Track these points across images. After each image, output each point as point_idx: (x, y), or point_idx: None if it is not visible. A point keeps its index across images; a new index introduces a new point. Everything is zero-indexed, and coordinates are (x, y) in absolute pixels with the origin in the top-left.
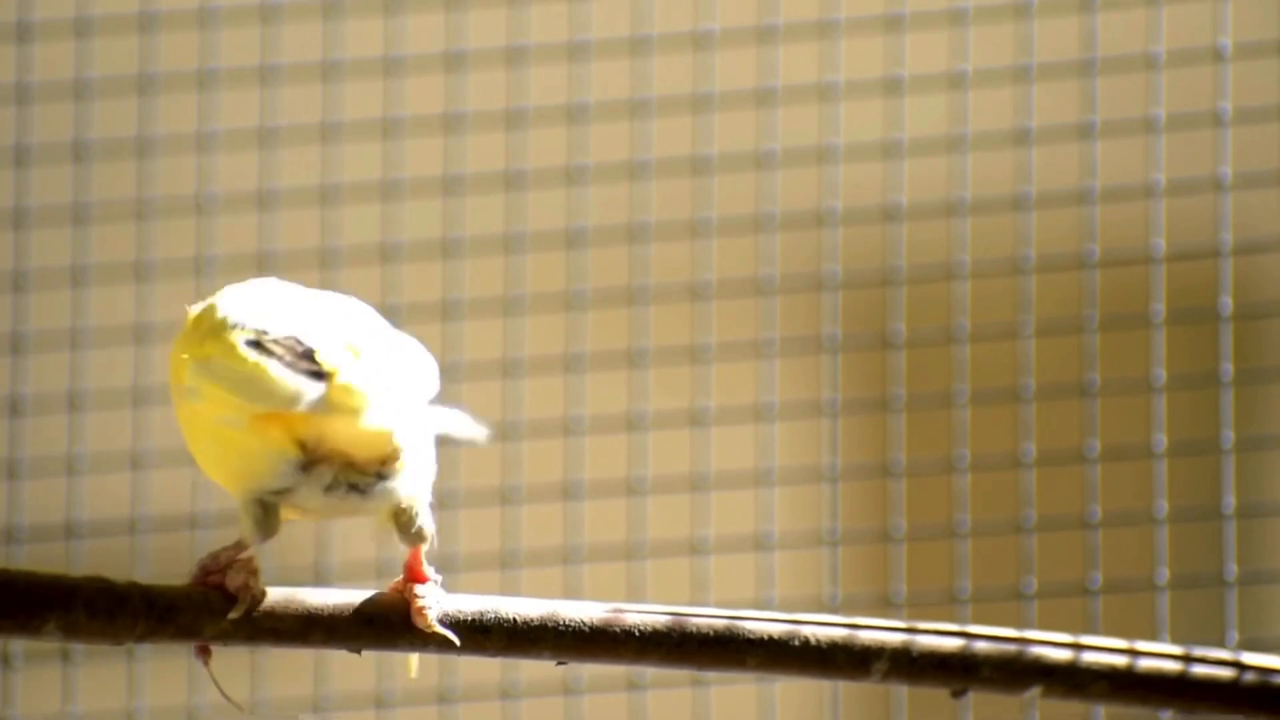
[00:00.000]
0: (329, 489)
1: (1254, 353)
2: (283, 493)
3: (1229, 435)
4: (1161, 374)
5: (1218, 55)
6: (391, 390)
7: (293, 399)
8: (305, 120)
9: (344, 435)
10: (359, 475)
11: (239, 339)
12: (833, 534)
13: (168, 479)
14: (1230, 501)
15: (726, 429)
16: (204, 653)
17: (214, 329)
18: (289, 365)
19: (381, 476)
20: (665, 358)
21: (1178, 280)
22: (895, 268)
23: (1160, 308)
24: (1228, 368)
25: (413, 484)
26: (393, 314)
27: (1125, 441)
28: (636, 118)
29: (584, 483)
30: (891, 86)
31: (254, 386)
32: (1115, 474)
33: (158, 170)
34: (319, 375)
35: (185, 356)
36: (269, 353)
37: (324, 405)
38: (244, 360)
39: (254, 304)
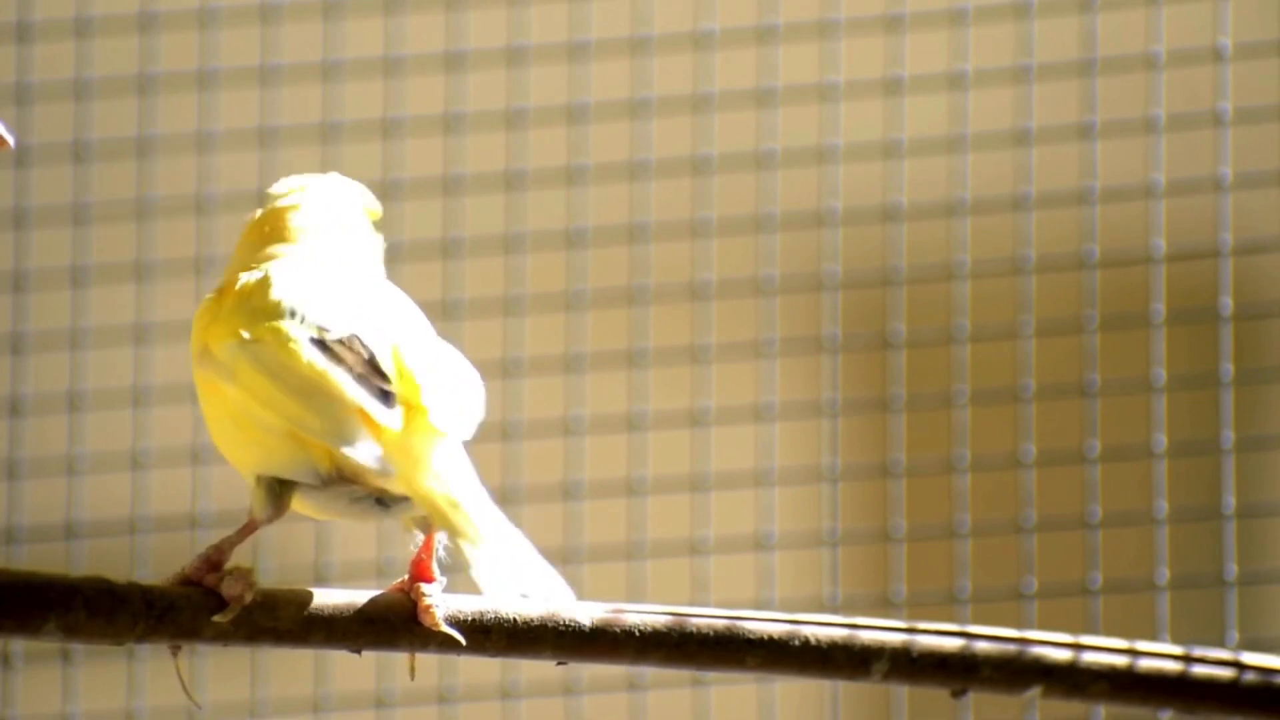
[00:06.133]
0: (354, 500)
1: (1254, 353)
2: (302, 488)
3: (1229, 435)
4: (1161, 374)
5: (1218, 55)
6: (452, 450)
7: (346, 437)
8: (305, 120)
9: (393, 487)
10: (388, 493)
11: (300, 334)
12: (833, 534)
13: (168, 479)
14: (1230, 501)
15: (726, 429)
16: (174, 651)
17: (266, 310)
18: (359, 380)
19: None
20: (665, 358)
21: (1178, 280)
22: (895, 268)
23: (1160, 308)
24: (1228, 368)
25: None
26: None
27: (1125, 441)
28: (636, 118)
29: (584, 483)
30: (891, 86)
31: (310, 399)
32: (1115, 474)
33: (158, 170)
34: (387, 397)
35: (223, 329)
36: (336, 358)
37: (381, 466)
38: (301, 360)
39: (313, 289)
